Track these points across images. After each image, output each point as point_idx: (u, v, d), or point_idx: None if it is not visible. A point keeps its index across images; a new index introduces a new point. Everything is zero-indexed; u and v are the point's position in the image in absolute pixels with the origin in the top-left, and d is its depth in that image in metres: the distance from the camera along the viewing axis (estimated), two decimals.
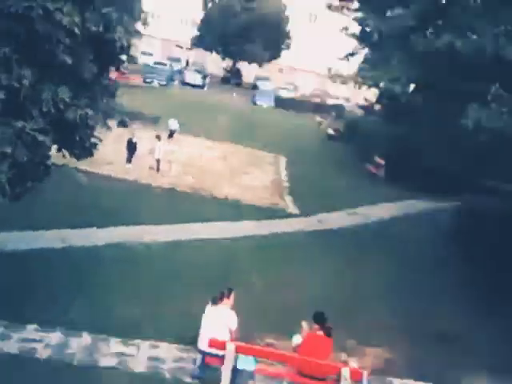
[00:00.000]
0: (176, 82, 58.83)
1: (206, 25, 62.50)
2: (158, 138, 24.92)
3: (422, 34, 13.82)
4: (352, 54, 34.28)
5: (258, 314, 13.73)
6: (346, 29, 33.98)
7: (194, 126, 34.33)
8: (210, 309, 10.66)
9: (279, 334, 12.95)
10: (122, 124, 29.56)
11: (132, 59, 12.75)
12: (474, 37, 12.41)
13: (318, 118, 46.01)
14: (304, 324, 10.76)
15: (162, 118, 36.11)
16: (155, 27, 66.48)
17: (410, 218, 24.93)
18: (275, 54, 64.73)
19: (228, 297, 10.67)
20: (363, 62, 32.19)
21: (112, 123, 12.62)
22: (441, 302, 16.64)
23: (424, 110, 20.11)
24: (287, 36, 63.94)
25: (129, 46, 11.74)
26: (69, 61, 9.86)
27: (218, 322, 10.43)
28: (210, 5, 63.20)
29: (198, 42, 64.26)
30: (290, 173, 29.61)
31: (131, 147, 24.36)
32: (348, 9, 32.16)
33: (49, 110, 9.75)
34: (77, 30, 9.72)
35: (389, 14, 17.55)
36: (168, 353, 11.89)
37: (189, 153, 28.93)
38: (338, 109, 51.07)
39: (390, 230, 22.88)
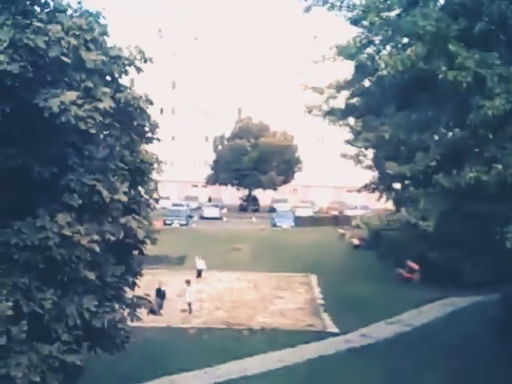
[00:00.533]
0: (195, 219, 59.89)
1: (218, 164, 64.91)
2: (188, 282, 24.91)
3: (444, 172, 14.13)
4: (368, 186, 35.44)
5: None
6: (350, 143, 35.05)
7: (219, 260, 34.35)
8: None
9: None
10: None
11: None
12: (499, 167, 12.63)
13: (341, 230, 45.95)
14: None
15: (186, 257, 36.37)
16: (169, 172, 68.75)
17: (453, 318, 24.12)
18: (288, 178, 66.55)
19: None
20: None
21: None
22: None
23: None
24: (298, 161, 66.06)
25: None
26: (91, 276, 10.08)
27: None
28: (220, 147, 65.97)
29: (213, 180, 66.31)
30: (322, 289, 29.14)
31: (160, 295, 24.29)
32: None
33: (75, 323, 9.78)
34: (97, 248, 10.00)
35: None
36: None
37: (218, 288, 28.77)
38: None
39: (435, 335, 22.06)
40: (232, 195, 70.85)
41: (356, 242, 39.58)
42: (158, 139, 13.75)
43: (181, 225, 53.61)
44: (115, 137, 11.13)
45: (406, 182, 18.77)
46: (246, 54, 74.57)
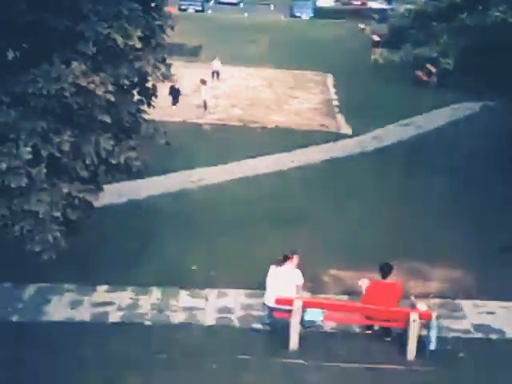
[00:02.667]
0: (211, 3, 57.65)
1: None
2: (203, 82, 24.57)
3: (469, 11, 12.92)
4: None
5: (323, 248, 13.93)
6: None
7: (234, 54, 33.68)
8: (274, 269, 10.83)
9: (344, 267, 13.20)
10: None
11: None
12: None
13: (361, 25, 44.29)
14: (362, 282, 10.90)
15: (202, 48, 35.70)
16: None
17: (466, 122, 24.28)
18: None
19: (291, 259, 10.78)
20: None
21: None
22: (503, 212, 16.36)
23: None
24: None
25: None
26: (108, 119, 9.88)
27: (284, 280, 10.62)
28: None
29: None
30: (338, 90, 28.99)
31: (175, 93, 24.20)
32: None
33: (92, 161, 9.83)
34: (112, 98, 9.61)
35: None
36: (236, 301, 12.19)
37: (233, 85, 28.61)
38: (381, 12, 48.92)
39: (447, 139, 22.41)
40: None
41: (376, 38, 38.29)
42: None
43: (196, 11, 51.79)
44: None
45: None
46: None
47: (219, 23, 44.57)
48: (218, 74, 29.12)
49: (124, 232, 14.61)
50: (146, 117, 11.76)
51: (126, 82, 10.24)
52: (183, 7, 51.49)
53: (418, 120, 24.53)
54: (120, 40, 9.73)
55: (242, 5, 58.58)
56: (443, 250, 14.23)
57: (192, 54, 34.11)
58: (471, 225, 15.59)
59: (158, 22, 12.08)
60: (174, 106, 24.51)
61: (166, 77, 10.96)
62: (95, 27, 9.59)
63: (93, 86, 9.35)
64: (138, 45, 10.08)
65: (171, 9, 47.93)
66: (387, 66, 32.54)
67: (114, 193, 16.27)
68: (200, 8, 52.26)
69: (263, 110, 25.04)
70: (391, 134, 22.91)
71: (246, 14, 52.57)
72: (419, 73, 30.15)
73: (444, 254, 14.02)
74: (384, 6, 56.15)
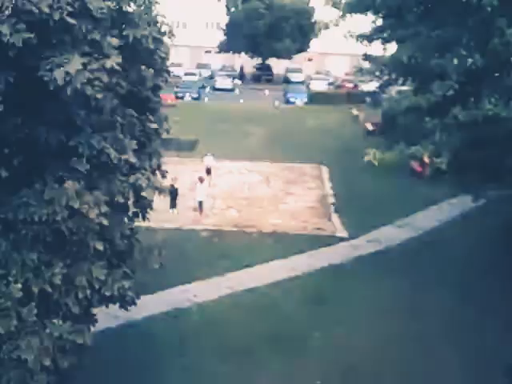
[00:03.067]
0: (207, 90, 58.93)
1: (231, 29, 62.16)
2: (201, 180, 24.80)
3: (462, 104, 13.23)
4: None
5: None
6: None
7: (231, 148, 34.16)
8: None
9: None
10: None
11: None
12: None
13: (355, 111, 45.12)
14: None
15: (198, 142, 36.20)
16: (182, 36, 66.59)
17: (463, 219, 24.34)
18: (304, 46, 63.97)
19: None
20: None
21: None
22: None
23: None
24: (314, 26, 62.88)
25: None
26: (100, 247, 9.90)
27: None
28: (233, 9, 62.76)
29: (226, 47, 64.07)
30: (333, 184, 29.25)
31: (173, 193, 24.40)
32: None
33: (85, 295, 9.69)
34: (105, 221, 9.70)
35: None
36: None
37: (230, 182, 28.84)
38: (373, 95, 49.87)
39: (444, 242, 22.39)
40: (246, 64, 68.95)
41: (370, 127, 38.99)
42: (168, 72, 12.99)
43: (193, 98, 52.86)
44: (121, 86, 10.44)
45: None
46: None
47: (215, 112, 45.43)
48: (210, 172, 28.99)
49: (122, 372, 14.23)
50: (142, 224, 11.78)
51: (121, 198, 10.23)
52: (180, 94, 52.52)
53: (415, 220, 24.62)
54: (114, 154, 9.77)
55: (237, 90, 59.88)
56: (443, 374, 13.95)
57: (188, 148, 34.50)
58: (471, 345, 15.35)
59: (153, 126, 12.21)
60: (171, 210, 24.61)
61: (161, 191, 11.03)
62: (89, 140, 9.62)
63: (86, 207, 9.29)
64: (133, 159, 10.14)
65: (168, 96, 49.41)
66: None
67: (110, 314, 16.05)
68: (196, 95, 53.33)
69: (259, 211, 25.16)
70: (387, 236, 22.93)
71: (241, 101, 53.66)
72: (414, 164, 30.46)
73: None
74: (376, 87, 57.36)
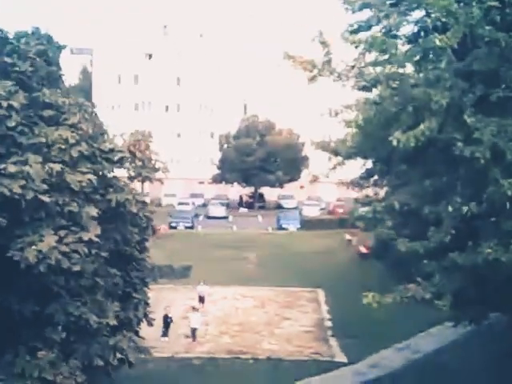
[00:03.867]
0: (201, 218, 59.43)
1: (224, 163, 64.29)
2: (195, 309, 24.31)
3: (459, 249, 13.31)
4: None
5: None
6: None
7: (225, 273, 33.83)
8: None
9: None
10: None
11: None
12: None
13: (347, 236, 45.25)
14: None
15: (192, 268, 35.86)
16: (176, 170, 68.64)
17: (464, 343, 23.54)
18: (295, 176, 65.73)
19: None
20: None
21: None
22: None
23: None
24: (305, 159, 65.20)
25: None
26: None
27: None
28: (225, 146, 65.27)
29: (219, 179, 65.83)
30: (330, 307, 28.62)
31: (167, 322, 23.78)
32: None
33: None
34: None
35: None
36: None
37: (223, 308, 28.21)
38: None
39: (446, 362, 21.53)
40: (238, 191, 70.26)
41: (363, 250, 38.91)
42: (154, 231, 13.19)
43: (186, 227, 53.05)
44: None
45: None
46: (251, 50, 73.53)
47: (208, 239, 45.47)
48: (203, 300, 28.20)
49: None
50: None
51: (100, 362, 9.74)
52: (173, 224, 52.73)
53: (415, 342, 23.81)
54: (93, 319, 9.43)
55: (230, 218, 60.40)
56: None
57: (182, 275, 34.17)
58: None
59: (138, 275, 11.96)
60: (163, 338, 23.80)
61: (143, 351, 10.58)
62: (66, 308, 9.27)
63: (60, 378, 8.78)
64: (113, 322, 9.79)
65: (162, 228, 49.64)
66: (376, 276, 32.61)
67: None
68: (190, 224, 53.56)
69: (254, 337, 24.37)
70: (388, 360, 22.06)
71: (234, 228, 53.95)
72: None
73: None
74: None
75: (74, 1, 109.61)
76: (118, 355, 10.42)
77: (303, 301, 29.80)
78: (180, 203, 62.89)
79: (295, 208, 64.39)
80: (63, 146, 9.66)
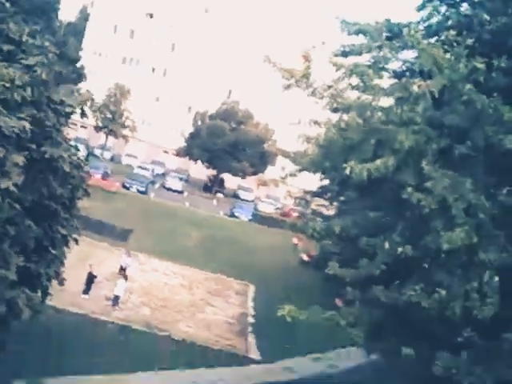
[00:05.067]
0: (157, 186, 58.70)
1: (193, 139, 63.45)
2: (124, 276, 23.80)
3: (385, 285, 13.34)
4: None
5: None
6: None
7: (163, 246, 33.33)
8: None
9: None
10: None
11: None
12: (443, 292, 11.90)
13: (295, 240, 45.11)
14: None
15: (132, 233, 35.28)
16: (144, 132, 67.59)
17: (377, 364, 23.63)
18: (260, 170, 65.39)
19: None
20: None
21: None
22: None
23: None
24: (273, 157, 64.90)
25: None
26: None
27: None
28: (199, 122, 64.44)
29: (184, 153, 64.95)
30: (256, 305, 28.42)
31: (90, 280, 23.22)
32: None
33: None
34: None
35: None
36: None
37: (152, 280, 27.70)
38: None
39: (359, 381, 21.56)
40: (200, 171, 69.60)
41: (305, 257, 38.88)
42: (87, 193, 12.80)
43: (138, 191, 52.26)
44: None
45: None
46: (249, 40, 72.67)
47: (157, 209, 44.82)
48: (124, 270, 26.54)
49: None
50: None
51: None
52: (127, 185, 51.91)
53: (333, 356, 23.80)
54: None
55: (185, 193, 59.81)
56: None
57: (121, 237, 33.52)
58: None
59: (62, 232, 11.44)
60: (84, 295, 23.23)
61: None
62: None
63: None
64: (13, 276, 9.35)
65: (115, 185, 48.76)
66: (311, 287, 32.59)
67: None
68: (143, 189, 52.66)
69: (174, 316, 24.00)
70: (301, 367, 21.98)
71: (187, 204, 53.41)
72: (337, 300, 30.13)
73: None
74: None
75: None
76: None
77: (232, 291, 29.53)
78: (139, 167, 62.01)
79: (252, 201, 64.21)
80: (7, 85, 9.16)
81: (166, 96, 74.89)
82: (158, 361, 19.37)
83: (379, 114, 13.67)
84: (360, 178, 12.72)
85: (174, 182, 60.72)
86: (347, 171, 12.79)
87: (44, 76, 10.17)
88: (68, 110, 11.40)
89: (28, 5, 54.97)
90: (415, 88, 12.34)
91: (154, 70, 75.87)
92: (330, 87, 14.41)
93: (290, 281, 33.99)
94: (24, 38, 10.15)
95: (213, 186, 67.12)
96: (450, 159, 12.59)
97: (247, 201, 63.85)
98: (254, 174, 65.77)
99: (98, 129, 62.27)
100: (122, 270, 26.23)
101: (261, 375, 20.52)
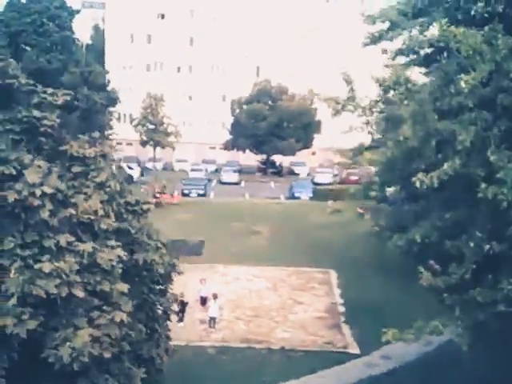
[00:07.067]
0: (214, 183, 59.60)
1: (236, 129, 63.75)
2: (214, 296, 24.43)
3: (480, 285, 13.19)
4: None
5: None
6: None
7: (237, 249, 34.01)
8: None
9: None
10: None
11: None
12: None
13: (359, 209, 45.12)
14: None
15: (205, 244, 36.03)
16: (187, 134, 68.34)
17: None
18: (307, 143, 65.28)
19: None
20: None
21: None
22: None
23: None
24: (318, 125, 64.45)
25: None
26: None
27: None
28: (237, 111, 64.55)
29: (231, 145, 65.46)
30: (342, 291, 28.76)
31: (183, 307, 23.99)
32: None
33: None
34: None
35: None
36: None
37: (237, 290, 28.36)
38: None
39: (459, 357, 21.63)
40: (250, 157, 70.05)
41: (376, 228, 38.68)
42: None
43: (199, 195, 53.17)
44: None
45: None
46: (265, 11, 72.14)
47: (221, 210, 45.50)
48: (205, 302, 25.86)
49: None
50: None
51: None
52: (186, 191, 52.85)
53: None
54: None
55: (243, 183, 60.49)
56: None
57: (195, 252, 34.23)
58: None
59: (162, 307, 11.84)
60: (180, 323, 24.04)
61: None
62: (95, 382, 9.31)
63: None
64: None
65: (175, 197, 49.62)
66: (390, 257, 32.60)
67: None
68: (203, 191, 53.60)
69: (268, 323, 24.62)
70: (399, 351, 22.19)
71: (247, 196, 54.03)
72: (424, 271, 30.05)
73: None
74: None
75: None
76: None
77: (316, 283, 29.92)
78: (193, 169, 62.99)
79: (307, 175, 64.32)
80: (92, 217, 9.60)
81: (197, 92, 75.28)
82: (261, 375, 20.00)
83: (433, 115, 13.53)
84: (430, 186, 12.71)
85: (228, 176, 61.63)
86: (417, 184, 12.79)
87: (118, 188, 10.58)
88: (145, 207, 11.84)
89: (49, 42, 56.52)
90: (462, 84, 12.15)
91: (179, 69, 76.28)
92: (377, 102, 14.42)
93: (367, 255, 34.11)
94: (87, 152, 10.54)
95: (266, 168, 67.58)
96: None
97: (302, 176, 64.02)
98: (303, 148, 65.77)
99: (144, 143, 63.34)
100: (203, 302, 25.95)
101: (362, 370, 20.90)
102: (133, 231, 11.12)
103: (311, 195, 53.41)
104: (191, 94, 75.62)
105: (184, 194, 52.27)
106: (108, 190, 10.52)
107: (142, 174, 59.89)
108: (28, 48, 49.18)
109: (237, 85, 70.34)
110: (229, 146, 65.91)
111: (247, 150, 66.24)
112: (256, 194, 54.74)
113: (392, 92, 14.34)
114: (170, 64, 75.49)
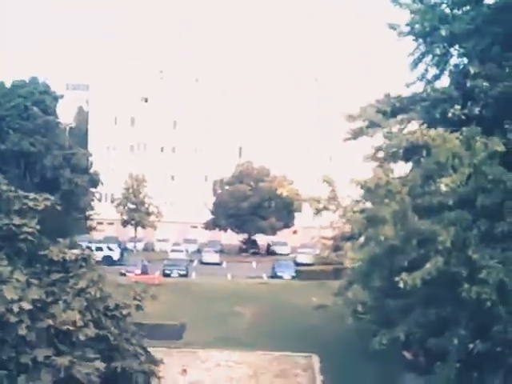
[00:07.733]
0: (195, 264, 59.27)
1: (217, 209, 64.28)
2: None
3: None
4: None
5: None
6: None
7: (218, 333, 33.46)
8: None
9: None
10: None
11: None
12: None
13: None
14: None
15: (185, 327, 35.42)
16: (170, 213, 68.47)
17: None
18: (288, 223, 65.79)
19: None
20: None
21: None
22: None
23: None
24: (299, 204, 64.92)
25: None
26: None
27: None
28: (219, 191, 65.33)
29: (212, 225, 65.76)
30: (325, 378, 28.23)
31: None
32: None
33: None
34: None
35: None
36: None
37: (218, 379, 27.76)
38: None
39: None
40: (231, 237, 70.09)
41: (359, 309, 38.45)
42: None
43: (180, 275, 52.68)
44: None
45: None
46: (246, 94, 74.30)
47: (203, 291, 45.00)
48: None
49: None
50: None
51: None
52: (167, 272, 52.41)
53: None
54: None
55: (224, 264, 60.20)
56: None
57: (175, 336, 33.64)
58: None
59: None
60: None
61: None
62: None
63: None
64: None
65: (156, 277, 49.18)
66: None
67: None
68: (184, 272, 53.17)
69: None
70: None
71: (229, 276, 53.65)
72: (405, 353, 29.69)
73: None
74: None
75: (70, 36, 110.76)
76: None
77: (298, 369, 29.42)
78: (173, 250, 62.61)
79: (288, 254, 64.33)
80: (71, 328, 9.59)
81: (180, 172, 76.14)
82: None
83: (414, 218, 13.81)
84: (413, 286, 12.85)
85: (210, 256, 61.43)
86: (401, 285, 12.94)
87: (98, 294, 10.60)
88: (125, 312, 11.80)
89: (32, 125, 57.17)
90: (442, 187, 12.54)
91: (162, 149, 77.37)
92: (358, 202, 14.78)
93: (350, 340, 33.61)
94: (67, 256, 10.59)
95: (247, 248, 67.61)
96: (493, 239, 12.68)
97: (284, 255, 63.98)
98: (285, 227, 66.09)
99: (125, 223, 63.25)
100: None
101: None
102: (111, 338, 11.02)
103: (294, 275, 53.30)
104: (174, 173, 76.47)
105: (165, 275, 51.78)
106: (88, 296, 10.50)
107: (121, 255, 59.44)
108: (11, 132, 49.82)
109: (219, 165, 71.41)
110: (210, 226, 66.07)
111: (229, 230, 66.36)
112: (238, 273, 54.37)
113: (372, 193, 14.73)
114: (153, 145, 76.67)
